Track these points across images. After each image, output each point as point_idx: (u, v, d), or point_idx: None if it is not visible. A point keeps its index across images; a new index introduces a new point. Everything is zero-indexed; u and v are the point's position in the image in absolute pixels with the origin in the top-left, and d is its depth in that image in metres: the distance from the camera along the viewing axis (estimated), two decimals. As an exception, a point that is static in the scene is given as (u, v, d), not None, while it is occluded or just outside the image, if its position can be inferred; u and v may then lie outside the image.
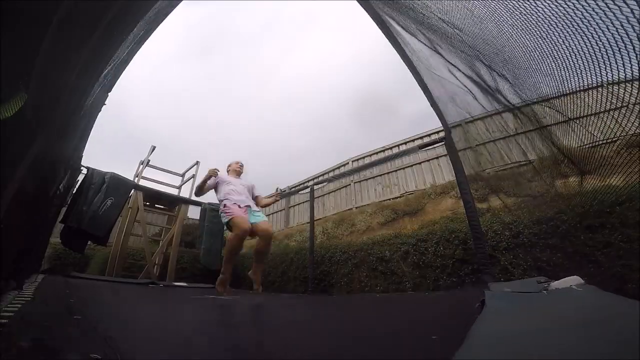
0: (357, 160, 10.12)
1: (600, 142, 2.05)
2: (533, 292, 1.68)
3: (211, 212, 7.97)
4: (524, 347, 0.84)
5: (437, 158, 7.85)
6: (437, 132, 7.90)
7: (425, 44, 3.09)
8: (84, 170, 5.55)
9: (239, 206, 3.31)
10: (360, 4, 3.11)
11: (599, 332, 0.83)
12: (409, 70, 3.81)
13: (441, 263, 4.27)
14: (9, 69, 0.90)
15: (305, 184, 10.89)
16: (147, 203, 7.89)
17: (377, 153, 9.61)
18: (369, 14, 3.17)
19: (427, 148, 7.31)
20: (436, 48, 2.98)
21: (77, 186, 5.45)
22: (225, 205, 3.31)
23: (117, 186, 5.89)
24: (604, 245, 2.89)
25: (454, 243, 4.27)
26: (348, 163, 10.31)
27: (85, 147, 4.33)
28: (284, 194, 11.44)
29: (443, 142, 4.69)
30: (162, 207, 8.62)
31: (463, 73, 2.96)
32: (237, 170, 3.86)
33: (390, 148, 9.32)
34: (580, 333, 0.87)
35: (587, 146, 2.21)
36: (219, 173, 3.61)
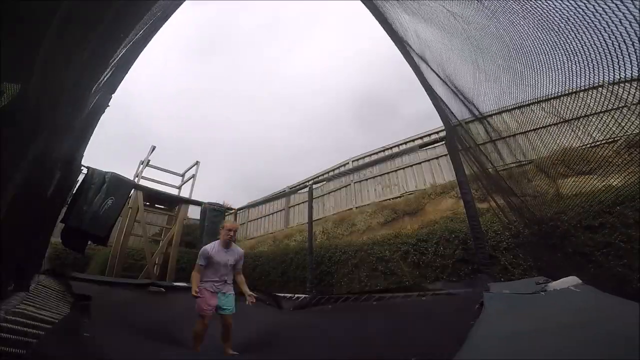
0: (357, 160, 10.10)
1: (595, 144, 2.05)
2: (531, 293, 1.67)
3: (211, 212, 7.97)
4: (522, 348, 0.84)
5: (437, 158, 7.83)
6: (438, 132, 7.89)
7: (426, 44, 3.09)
8: (84, 170, 5.55)
9: (211, 290, 2.93)
10: (364, 4, 3.11)
11: (595, 333, 0.83)
12: (411, 70, 3.81)
13: (441, 263, 4.28)
14: (10, 68, 0.90)
15: (304, 184, 10.87)
16: (147, 203, 7.89)
17: (377, 153, 9.59)
18: (372, 13, 3.18)
19: (427, 147, 7.31)
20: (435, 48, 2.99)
21: (77, 186, 5.44)
22: (198, 289, 2.95)
23: (118, 186, 5.89)
24: (604, 245, 2.89)
25: (454, 243, 4.27)
26: (348, 163, 10.30)
27: (86, 147, 4.32)
28: (283, 194, 11.43)
29: (444, 142, 4.69)
30: (162, 207, 8.63)
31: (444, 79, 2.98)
32: (225, 240, 3.08)
33: (391, 148, 9.30)
34: (577, 334, 0.87)
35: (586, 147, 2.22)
36: (207, 249, 3.04)
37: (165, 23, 2.59)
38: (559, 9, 1.41)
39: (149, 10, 1.92)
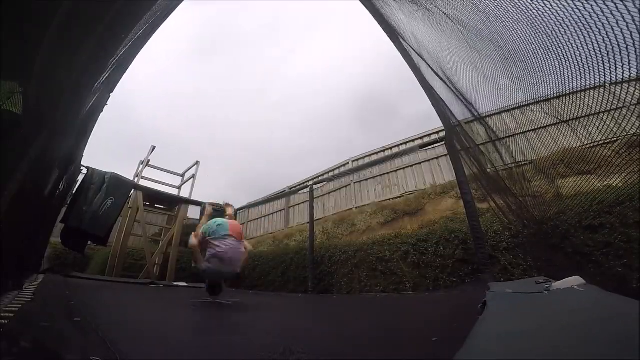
0: (357, 160, 10.12)
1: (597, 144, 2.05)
2: (535, 292, 1.67)
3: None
4: (525, 348, 0.83)
5: (437, 158, 7.85)
6: (437, 132, 7.90)
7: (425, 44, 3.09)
8: (84, 170, 5.55)
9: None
10: (363, 4, 3.11)
11: (601, 333, 0.83)
12: (410, 70, 3.81)
13: (441, 263, 4.27)
14: (10, 68, 0.90)
15: (305, 184, 10.88)
16: (147, 203, 7.89)
17: (377, 153, 9.60)
18: (371, 13, 3.18)
19: (427, 148, 7.31)
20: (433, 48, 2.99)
21: (77, 186, 5.44)
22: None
23: (118, 186, 5.89)
24: (604, 245, 2.89)
25: (454, 243, 4.27)
26: (348, 163, 10.31)
27: (86, 147, 4.32)
28: (283, 194, 11.43)
29: (443, 142, 4.69)
30: (162, 207, 8.62)
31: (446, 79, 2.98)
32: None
33: (390, 148, 9.32)
34: (582, 333, 0.86)
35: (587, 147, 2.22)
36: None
37: (165, 22, 2.59)
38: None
39: (149, 9, 1.93)
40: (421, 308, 3.09)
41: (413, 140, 8.79)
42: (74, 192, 5.41)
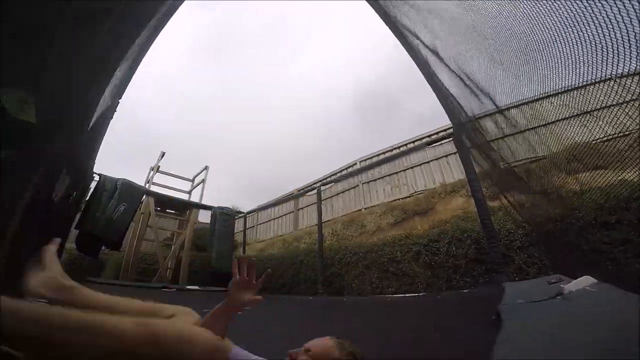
0: (365, 160, 10.06)
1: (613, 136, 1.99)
2: (547, 299, 1.61)
3: (221, 216, 8.04)
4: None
5: (446, 156, 7.74)
6: (445, 130, 7.80)
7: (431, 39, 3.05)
8: (97, 177, 5.66)
9: None
10: (370, 3, 3.09)
11: (620, 336, 0.80)
12: (416, 68, 3.77)
13: (454, 263, 4.21)
14: (19, 79, 0.92)
15: (313, 186, 10.87)
16: (159, 208, 8.00)
17: (384, 153, 9.54)
18: (377, 13, 3.16)
19: (435, 145, 7.24)
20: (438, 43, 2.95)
21: (90, 193, 5.55)
22: None
23: (130, 192, 5.99)
24: (620, 242, 2.80)
25: (466, 243, 4.20)
26: (356, 163, 10.26)
27: (97, 154, 4.41)
28: (292, 197, 11.44)
29: (451, 139, 4.63)
30: (173, 211, 8.74)
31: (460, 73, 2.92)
32: None
33: (398, 147, 9.24)
34: (599, 337, 0.84)
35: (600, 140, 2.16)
36: None
37: (168, 24, 2.61)
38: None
39: (153, 15, 1.95)
40: (434, 311, 3.04)
41: (421, 139, 8.69)
42: (87, 198, 5.52)
